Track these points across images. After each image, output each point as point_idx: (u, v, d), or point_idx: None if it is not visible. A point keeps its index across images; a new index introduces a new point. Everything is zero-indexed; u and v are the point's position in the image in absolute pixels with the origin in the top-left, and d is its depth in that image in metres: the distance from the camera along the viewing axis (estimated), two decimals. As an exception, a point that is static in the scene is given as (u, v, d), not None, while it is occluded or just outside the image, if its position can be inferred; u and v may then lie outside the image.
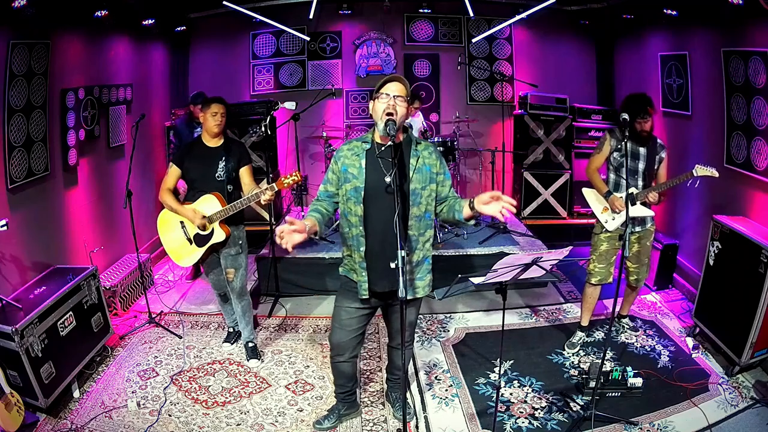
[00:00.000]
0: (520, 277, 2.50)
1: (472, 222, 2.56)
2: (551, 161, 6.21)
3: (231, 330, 4.07)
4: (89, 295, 3.67)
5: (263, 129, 4.62)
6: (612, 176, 3.67)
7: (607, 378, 3.25)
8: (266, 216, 5.80)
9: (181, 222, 3.54)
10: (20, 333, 2.95)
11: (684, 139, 4.82)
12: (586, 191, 3.79)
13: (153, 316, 4.34)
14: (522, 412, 3.20)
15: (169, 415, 3.22)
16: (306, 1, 5.58)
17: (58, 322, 3.32)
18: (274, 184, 3.22)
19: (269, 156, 5.76)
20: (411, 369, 3.62)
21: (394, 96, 2.42)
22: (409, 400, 3.34)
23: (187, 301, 4.83)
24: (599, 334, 4.05)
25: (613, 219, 3.61)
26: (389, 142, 2.35)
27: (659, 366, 3.63)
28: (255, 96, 6.49)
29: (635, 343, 3.93)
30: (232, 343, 4.00)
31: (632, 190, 3.54)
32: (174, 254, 3.63)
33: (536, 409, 3.23)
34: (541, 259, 2.40)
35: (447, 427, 3.11)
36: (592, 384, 3.16)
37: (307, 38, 6.25)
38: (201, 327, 4.34)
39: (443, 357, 3.85)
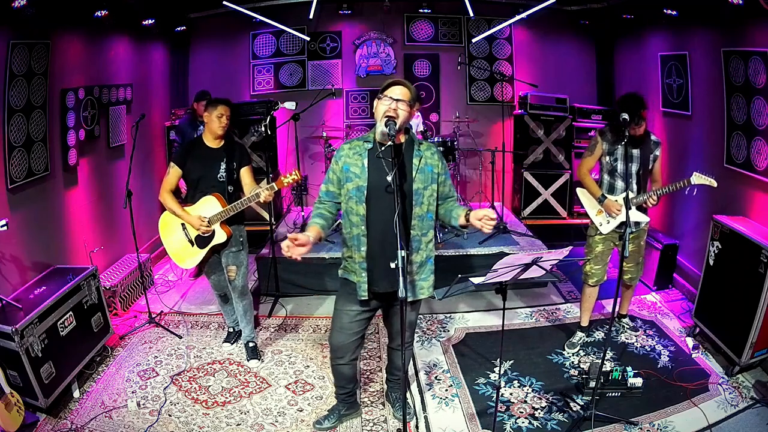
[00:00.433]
0: (520, 277, 2.50)
1: (467, 229, 2.56)
2: (551, 161, 6.21)
3: (231, 330, 4.07)
4: (89, 295, 3.67)
5: (263, 129, 4.62)
6: (606, 178, 3.63)
7: (607, 378, 3.25)
8: (266, 216, 5.80)
9: (182, 224, 3.54)
10: (20, 333, 2.95)
11: (684, 139, 4.82)
12: (580, 192, 3.76)
13: (153, 316, 4.34)
14: (522, 412, 3.20)
15: (169, 415, 3.22)
16: (306, 1, 5.58)
17: (58, 322, 3.33)
18: (273, 184, 3.23)
19: (269, 156, 5.76)
20: (411, 369, 3.62)
21: (396, 100, 2.43)
22: (409, 400, 3.34)
23: (188, 301, 4.83)
24: (599, 334, 4.05)
25: (608, 222, 3.59)
26: (390, 142, 2.35)
27: (659, 366, 3.63)
28: (255, 96, 6.48)
29: (635, 343, 3.93)
30: (232, 343, 4.00)
31: (627, 194, 3.50)
32: (176, 256, 3.64)
33: (536, 409, 3.23)
34: (541, 259, 2.40)
35: (447, 427, 3.11)
36: (592, 384, 3.16)
37: (307, 38, 6.25)
38: (201, 327, 4.34)
39: (443, 357, 3.85)
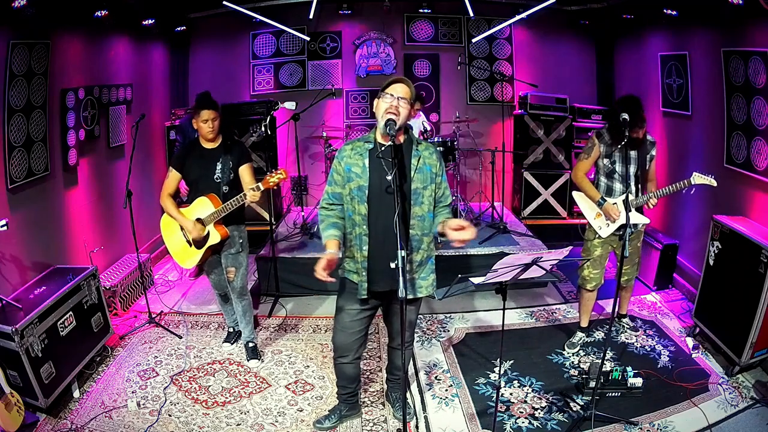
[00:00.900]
0: (520, 277, 2.50)
1: (444, 238, 2.56)
2: (551, 161, 6.21)
3: (231, 330, 4.07)
4: (89, 295, 3.67)
5: (263, 129, 4.62)
6: (603, 181, 3.60)
7: (607, 378, 3.25)
8: (266, 216, 5.80)
9: (181, 225, 3.54)
10: (20, 333, 2.95)
11: (684, 139, 4.82)
12: (576, 195, 3.73)
13: (153, 316, 4.34)
14: (522, 412, 3.20)
15: (169, 415, 3.22)
16: (306, 1, 5.57)
17: (58, 322, 3.33)
18: (260, 184, 3.19)
19: (269, 156, 5.77)
20: (411, 369, 3.62)
21: (398, 97, 2.44)
22: (409, 400, 3.34)
23: (188, 301, 4.83)
24: (599, 334, 4.05)
25: (607, 225, 3.57)
26: (390, 142, 2.36)
27: (659, 366, 3.63)
28: (255, 96, 6.48)
29: (635, 343, 3.93)
30: (232, 343, 4.00)
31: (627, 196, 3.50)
32: (177, 257, 3.67)
33: (536, 409, 3.23)
34: (541, 259, 2.40)
35: (447, 427, 3.11)
36: (592, 384, 3.16)
37: (307, 38, 6.25)
38: (201, 327, 4.34)
39: (443, 357, 3.85)
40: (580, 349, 3.86)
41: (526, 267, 2.43)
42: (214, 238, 3.44)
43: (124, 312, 4.49)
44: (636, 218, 3.52)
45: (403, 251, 2.16)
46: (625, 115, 3.05)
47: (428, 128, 5.38)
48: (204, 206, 3.41)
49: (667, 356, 3.74)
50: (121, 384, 3.54)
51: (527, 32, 6.53)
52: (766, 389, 3.28)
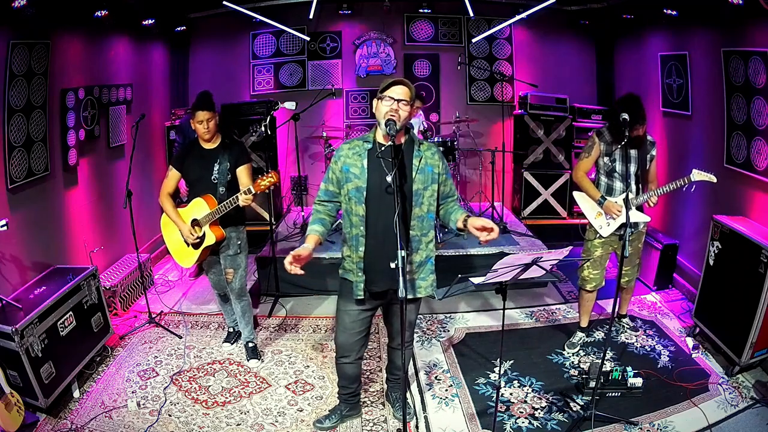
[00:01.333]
0: (520, 277, 2.50)
1: (464, 233, 2.56)
2: (551, 161, 6.21)
3: (231, 330, 4.07)
4: (89, 295, 3.67)
5: (263, 129, 4.62)
6: (603, 180, 3.60)
7: (607, 378, 3.25)
8: (266, 216, 5.80)
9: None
10: (20, 333, 2.95)
11: (684, 139, 4.82)
12: (577, 195, 3.73)
13: (153, 316, 4.34)
14: (522, 412, 3.20)
15: (169, 415, 3.22)
16: (306, 1, 5.57)
17: (58, 322, 3.33)
18: (251, 187, 3.17)
19: (269, 156, 5.77)
20: (411, 369, 3.62)
21: (398, 100, 2.43)
22: (409, 400, 3.34)
23: (188, 301, 4.83)
24: (599, 334, 4.05)
25: (608, 224, 3.57)
26: (390, 142, 2.35)
27: (659, 366, 3.63)
28: (255, 96, 6.48)
29: (635, 343, 3.93)
30: (232, 343, 4.00)
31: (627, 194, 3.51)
32: (176, 255, 3.68)
33: (536, 409, 3.23)
34: (541, 259, 2.40)
35: (447, 427, 3.11)
36: (592, 384, 3.16)
37: (307, 38, 6.25)
38: (201, 327, 4.34)
39: (443, 357, 3.85)
40: (580, 349, 3.86)
41: (526, 267, 2.43)
42: (210, 239, 3.43)
43: (124, 312, 4.49)
44: (637, 216, 3.51)
45: (403, 251, 2.15)
46: (625, 115, 3.06)
47: (425, 127, 5.38)
48: (200, 207, 3.40)
49: (667, 356, 3.74)
50: (121, 384, 3.54)
51: (527, 32, 6.53)
52: (766, 389, 3.28)
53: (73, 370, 3.40)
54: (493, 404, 2.94)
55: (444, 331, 4.23)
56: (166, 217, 3.63)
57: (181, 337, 4.13)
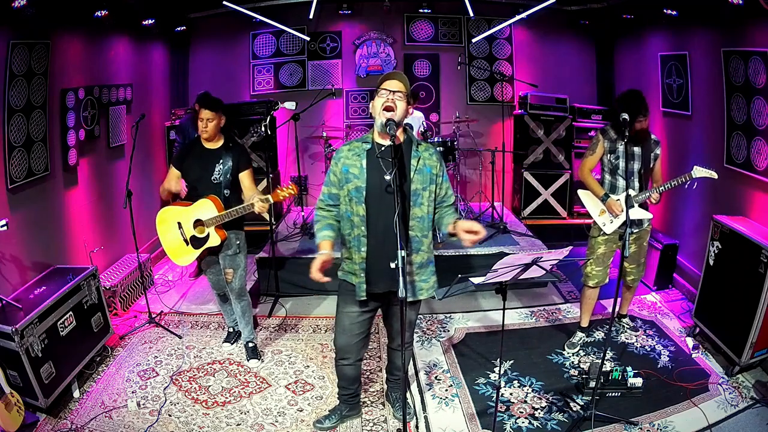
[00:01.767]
0: (520, 277, 2.50)
1: (454, 238, 2.56)
2: (551, 161, 6.22)
3: (231, 330, 4.07)
4: (89, 295, 3.67)
5: (263, 129, 4.62)
6: (607, 178, 3.63)
7: (607, 378, 3.25)
8: (266, 216, 5.78)
9: (179, 223, 3.53)
10: (20, 333, 2.95)
11: (684, 139, 4.82)
12: (581, 193, 3.75)
13: (153, 316, 4.34)
14: (522, 412, 3.20)
15: (169, 415, 3.22)
16: (306, 1, 5.58)
17: (58, 322, 3.32)
18: (269, 196, 3.17)
19: (269, 156, 5.76)
20: (411, 369, 3.62)
21: (393, 91, 2.44)
22: (409, 400, 3.34)
23: (187, 301, 4.83)
24: (599, 334, 4.05)
25: (611, 222, 3.59)
26: (389, 142, 2.35)
27: (659, 366, 3.63)
28: (255, 96, 6.48)
29: (635, 343, 3.93)
30: (232, 343, 4.00)
31: (629, 192, 3.52)
32: (171, 253, 3.63)
33: (536, 409, 3.23)
34: (541, 259, 2.40)
35: (447, 427, 3.11)
36: (592, 384, 3.16)
37: (307, 38, 6.25)
38: (201, 327, 4.34)
39: (443, 357, 3.85)
40: (580, 349, 3.86)
41: (526, 267, 2.43)
42: (214, 240, 3.42)
43: (124, 312, 4.49)
44: (639, 213, 3.54)
45: (403, 251, 2.15)
46: (625, 115, 3.08)
47: (425, 128, 5.38)
48: (206, 208, 3.39)
49: (667, 356, 3.74)
50: (121, 384, 3.54)
51: (527, 32, 6.53)
52: (766, 389, 3.28)
53: (73, 370, 3.40)
54: (493, 404, 2.94)
55: (444, 331, 4.23)
56: (161, 215, 3.58)
57: (181, 337, 4.13)
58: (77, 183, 4.39)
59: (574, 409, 3.21)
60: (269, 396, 3.41)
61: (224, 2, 5.28)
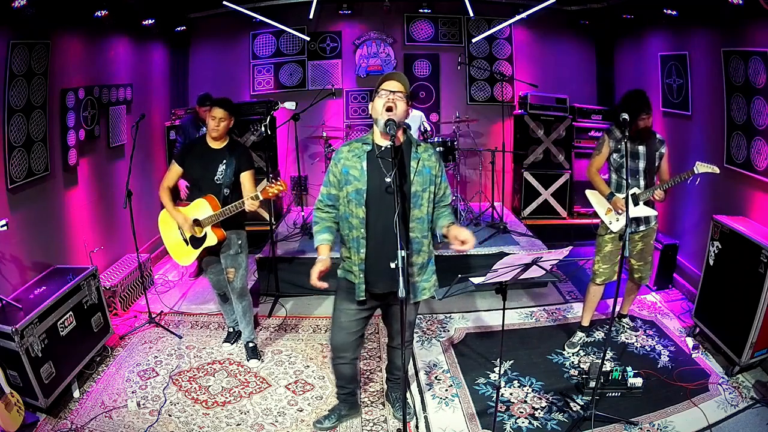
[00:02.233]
0: (520, 277, 2.50)
1: (446, 239, 2.57)
2: (551, 161, 6.21)
3: (231, 330, 4.07)
4: (89, 295, 3.67)
5: (263, 129, 4.62)
6: (613, 177, 3.67)
7: (607, 378, 3.25)
8: (266, 216, 5.80)
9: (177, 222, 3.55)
10: (20, 333, 2.95)
11: (684, 139, 4.82)
12: (589, 193, 3.79)
13: (153, 316, 4.34)
14: (522, 412, 3.20)
15: (169, 415, 3.22)
16: (306, 1, 5.58)
17: (58, 322, 3.32)
18: (258, 193, 3.18)
19: (269, 156, 5.77)
20: (411, 369, 3.62)
21: (393, 92, 2.44)
22: (409, 400, 3.34)
23: (187, 301, 4.83)
24: (599, 334, 4.05)
25: (617, 220, 3.61)
26: (389, 142, 2.35)
27: (659, 366, 3.63)
28: (255, 96, 6.48)
29: (635, 343, 3.93)
30: (232, 343, 4.00)
31: (634, 190, 3.54)
32: (173, 252, 3.68)
33: (536, 409, 3.23)
34: (541, 259, 2.40)
35: (447, 427, 3.11)
36: (592, 384, 3.16)
37: (307, 38, 6.25)
38: (201, 327, 4.34)
39: (443, 357, 3.85)
40: (580, 349, 3.86)
41: (526, 267, 2.43)
42: (211, 240, 3.43)
43: (124, 312, 4.49)
44: (645, 211, 3.56)
45: (403, 251, 2.15)
46: (625, 115, 3.10)
47: (428, 128, 5.37)
48: (202, 208, 3.40)
49: (667, 356, 3.74)
50: (121, 384, 3.54)
51: (527, 32, 6.53)
52: (766, 389, 3.28)
53: (73, 370, 3.40)
54: (493, 404, 2.94)
55: (444, 331, 4.23)
56: (163, 214, 3.63)
57: (181, 337, 4.13)
58: (77, 183, 4.39)
59: (574, 409, 3.21)
60: (269, 396, 3.41)
61: (224, 2, 5.28)
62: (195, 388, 3.50)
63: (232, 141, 3.54)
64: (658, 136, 3.58)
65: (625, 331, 4.08)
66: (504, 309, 2.66)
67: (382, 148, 2.51)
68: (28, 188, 3.73)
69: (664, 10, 4.54)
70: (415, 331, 3.64)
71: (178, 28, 5.91)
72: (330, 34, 6.48)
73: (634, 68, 5.80)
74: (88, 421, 3.15)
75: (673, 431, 3.00)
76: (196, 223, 3.43)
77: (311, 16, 5.55)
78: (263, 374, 3.65)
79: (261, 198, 3.18)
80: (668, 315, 4.38)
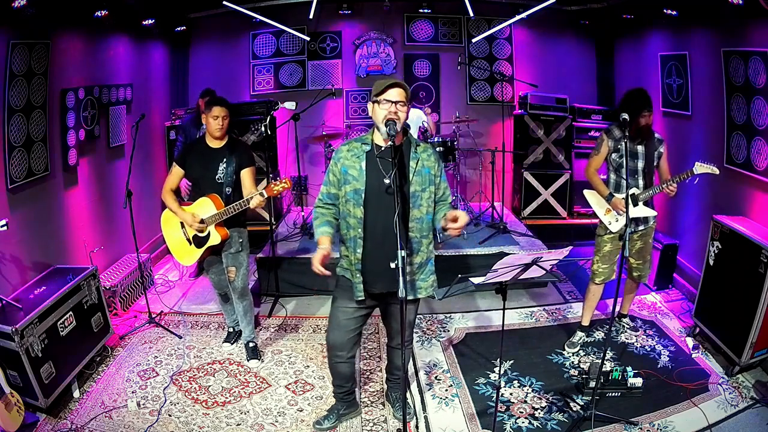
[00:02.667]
0: (520, 277, 2.50)
1: (447, 232, 2.56)
2: (551, 161, 6.21)
3: (231, 330, 4.07)
4: (89, 295, 3.67)
5: (263, 129, 4.62)
6: (612, 177, 3.66)
7: (607, 378, 3.25)
8: (266, 216, 5.80)
9: (181, 222, 3.55)
10: (20, 333, 2.95)
11: (684, 139, 4.82)
12: (587, 193, 3.79)
13: (153, 316, 4.34)
14: (522, 412, 3.20)
15: (169, 415, 3.22)
16: (306, 1, 5.58)
17: (58, 322, 3.32)
18: (264, 191, 3.19)
19: (269, 156, 5.76)
20: (411, 369, 3.62)
21: (395, 102, 2.43)
22: (409, 400, 3.34)
23: (187, 301, 4.83)
24: (599, 334, 4.05)
25: (617, 220, 3.61)
26: (389, 143, 2.35)
27: (659, 366, 3.63)
28: (255, 96, 6.48)
29: (635, 343, 3.93)
30: (232, 343, 4.00)
31: (633, 190, 3.54)
32: (176, 252, 3.68)
33: (536, 409, 3.23)
34: (541, 259, 2.40)
35: (447, 427, 3.11)
36: (592, 384, 3.16)
37: (307, 38, 6.25)
38: (201, 327, 4.34)
39: (443, 357, 3.85)
40: (580, 349, 3.86)
41: (526, 267, 2.43)
42: (215, 239, 3.44)
43: (124, 312, 4.49)
44: (644, 211, 3.56)
45: (403, 251, 2.15)
46: (625, 115, 3.10)
47: (429, 126, 5.37)
48: (206, 206, 3.41)
49: (667, 356, 3.74)
50: (121, 384, 3.54)
51: (527, 32, 6.53)
52: (766, 389, 3.28)
53: (73, 370, 3.40)
54: (493, 404, 2.94)
55: (444, 331, 4.23)
56: (166, 214, 3.63)
57: (181, 337, 4.13)
58: (77, 183, 4.39)
59: (574, 409, 3.21)
60: (269, 396, 3.41)
61: (224, 2, 5.28)
62: (195, 388, 3.50)
63: (232, 139, 3.54)
64: (657, 135, 3.58)
65: (625, 331, 4.08)
66: (504, 309, 2.66)
67: (382, 149, 2.51)
68: (28, 188, 3.73)
69: (664, 10, 4.54)
70: (414, 330, 3.63)
71: (178, 28, 5.91)
72: (330, 34, 6.48)
73: (634, 68, 5.80)
74: (88, 421, 3.15)
75: (673, 431, 3.00)
76: (201, 222, 3.44)
77: (311, 16, 5.54)
78: (263, 374, 3.65)
79: (266, 195, 3.19)
80: (668, 315, 4.38)
